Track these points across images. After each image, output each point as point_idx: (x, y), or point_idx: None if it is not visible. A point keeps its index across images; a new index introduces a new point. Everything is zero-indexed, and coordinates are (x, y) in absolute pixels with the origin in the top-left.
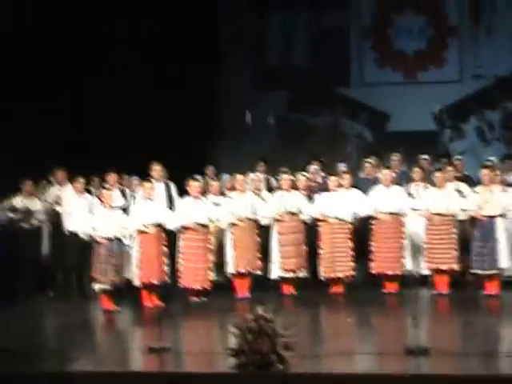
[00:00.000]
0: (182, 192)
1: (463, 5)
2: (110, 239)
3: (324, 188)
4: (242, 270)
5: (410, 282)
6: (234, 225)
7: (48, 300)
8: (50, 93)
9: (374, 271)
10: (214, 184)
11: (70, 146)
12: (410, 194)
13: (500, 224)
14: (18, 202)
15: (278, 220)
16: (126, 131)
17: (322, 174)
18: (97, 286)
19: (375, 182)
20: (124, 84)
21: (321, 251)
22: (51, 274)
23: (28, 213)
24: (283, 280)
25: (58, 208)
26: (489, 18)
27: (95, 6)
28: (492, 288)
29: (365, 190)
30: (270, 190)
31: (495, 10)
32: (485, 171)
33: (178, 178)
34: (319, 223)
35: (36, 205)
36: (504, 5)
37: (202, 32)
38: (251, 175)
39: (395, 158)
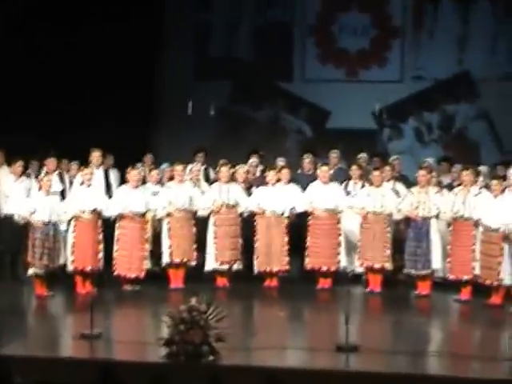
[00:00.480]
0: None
1: (407, 7)
2: (45, 223)
3: (262, 182)
4: (177, 260)
5: (344, 278)
6: (170, 215)
7: None
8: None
9: (308, 266)
10: (153, 173)
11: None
12: (347, 192)
13: (434, 225)
14: None
15: (214, 212)
16: (66, 115)
17: (261, 167)
18: (31, 271)
19: (313, 177)
20: (65, 70)
21: (256, 245)
22: None
23: None
24: (217, 272)
25: None
26: (431, 21)
27: None
28: (424, 288)
29: (303, 186)
30: (208, 181)
31: (438, 13)
32: (421, 172)
33: (121, 167)
34: (256, 217)
35: None
36: (447, 9)
37: (145, 21)
38: (190, 165)
39: (334, 154)
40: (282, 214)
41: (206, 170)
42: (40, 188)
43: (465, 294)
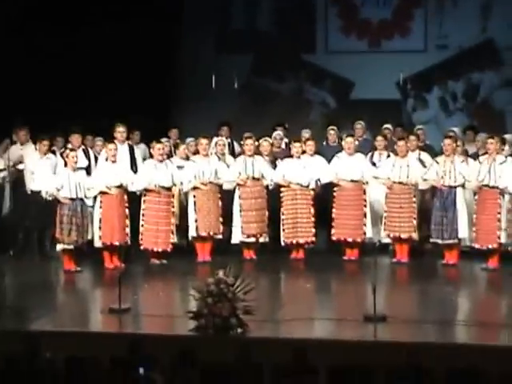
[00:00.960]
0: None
1: None
2: (72, 199)
3: (287, 154)
4: (204, 234)
5: (370, 249)
6: (196, 188)
7: (8, 259)
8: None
9: (334, 238)
10: (181, 148)
11: (34, 105)
12: (372, 163)
13: (460, 194)
14: None
15: (240, 185)
16: (92, 93)
17: (286, 139)
18: (59, 246)
19: (338, 149)
20: (90, 46)
21: (282, 217)
22: (12, 233)
23: None
24: (244, 245)
25: (20, 167)
26: None
27: None
28: (451, 257)
29: (328, 157)
30: (233, 154)
31: None
32: (447, 141)
33: (147, 142)
34: (282, 189)
35: None
36: None
37: None
38: (215, 139)
39: (359, 125)
40: (308, 186)
41: (230, 143)
42: (65, 164)
43: (492, 262)
